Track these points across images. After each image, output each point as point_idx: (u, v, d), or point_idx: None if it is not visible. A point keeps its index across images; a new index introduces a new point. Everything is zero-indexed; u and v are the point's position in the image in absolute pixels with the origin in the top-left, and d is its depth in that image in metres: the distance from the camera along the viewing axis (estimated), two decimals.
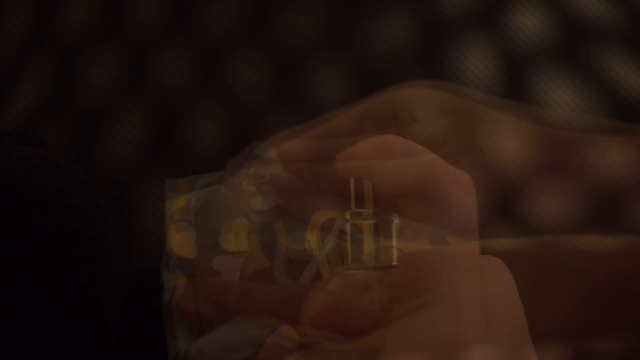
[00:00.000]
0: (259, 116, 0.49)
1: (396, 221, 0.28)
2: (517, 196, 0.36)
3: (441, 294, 0.24)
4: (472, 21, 0.51)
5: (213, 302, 0.33)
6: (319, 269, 0.32)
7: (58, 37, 0.53)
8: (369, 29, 0.51)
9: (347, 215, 0.30)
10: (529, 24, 0.51)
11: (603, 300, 0.33)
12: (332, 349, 0.26)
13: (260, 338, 0.29)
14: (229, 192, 0.36)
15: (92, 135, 0.49)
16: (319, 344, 0.27)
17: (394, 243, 0.28)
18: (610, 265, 0.33)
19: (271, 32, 0.51)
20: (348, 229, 0.29)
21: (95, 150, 0.49)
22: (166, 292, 0.36)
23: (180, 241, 0.36)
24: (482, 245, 0.29)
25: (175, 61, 0.51)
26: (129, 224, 0.46)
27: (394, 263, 0.28)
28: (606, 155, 0.36)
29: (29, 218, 0.34)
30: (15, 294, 0.33)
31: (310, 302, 0.28)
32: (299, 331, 0.27)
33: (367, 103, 0.36)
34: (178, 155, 0.48)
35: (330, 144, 0.36)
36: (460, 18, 0.51)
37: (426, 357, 0.23)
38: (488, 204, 0.30)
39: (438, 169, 0.28)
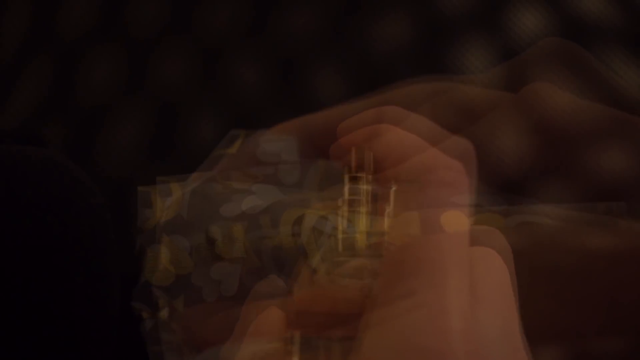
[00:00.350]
0: (259, 116, 0.49)
1: (394, 188, 0.27)
2: (516, 192, 0.36)
3: (427, 287, 0.24)
4: (472, 21, 0.51)
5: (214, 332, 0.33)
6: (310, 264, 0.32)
7: (58, 37, 0.53)
8: (369, 29, 0.51)
9: (346, 178, 0.29)
10: (529, 24, 0.51)
11: (600, 301, 0.33)
12: (320, 340, 0.26)
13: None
14: (219, 194, 0.36)
15: (92, 135, 0.49)
16: (308, 336, 0.26)
17: (386, 231, 0.28)
18: (608, 266, 0.33)
19: (271, 32, 0.51)
20: (347, 195, 0.29)
21: (95, 150, 0.49)
22: (147, 322, 0.36)
23: (172, 256, 0.36)
24: None
25: (175, 61, 0.51)
26: (129, 224, 0.46)
27: (387, 231, 0.27)
28: (606, 153, 0.36)
29: (29, 218, 0.34)
30: (15, 293, 0.33)
31: (297, 290, 0.27)
32: (290, 321, 0.27)
33: (369, 99, 0.36)
34: (178, 155, 0.48)
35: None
36: (460, 18, 0.51)
37: (408, 356, 0.23)
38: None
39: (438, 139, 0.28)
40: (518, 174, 0.36)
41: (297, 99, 0.49)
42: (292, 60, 0.50)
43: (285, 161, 0.38)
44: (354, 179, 0.29)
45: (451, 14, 0.52)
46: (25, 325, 0.33)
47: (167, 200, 0.37)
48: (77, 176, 0.37)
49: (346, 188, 0.29)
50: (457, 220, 0.25)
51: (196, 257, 0.35)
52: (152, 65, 0.51)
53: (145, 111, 0.49)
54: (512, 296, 0.26)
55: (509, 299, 0.26)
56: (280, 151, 0.38)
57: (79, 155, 0.48)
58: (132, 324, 0.39)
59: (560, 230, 0.34)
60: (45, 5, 0.54)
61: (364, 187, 0.29)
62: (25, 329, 0.33)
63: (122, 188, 0.47)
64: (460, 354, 0.23)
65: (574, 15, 0.52)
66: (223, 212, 0.35)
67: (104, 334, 0.36)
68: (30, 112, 0.51)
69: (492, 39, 0.51)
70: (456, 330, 0.23)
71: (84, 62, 0.51)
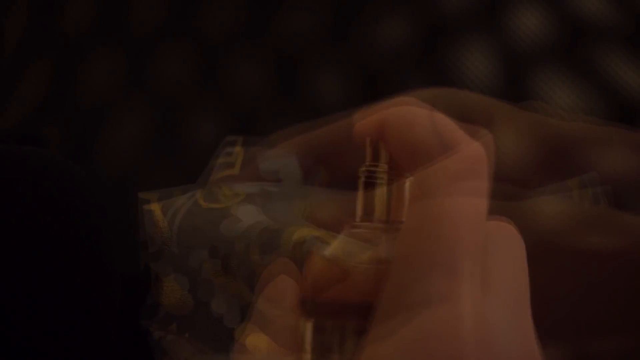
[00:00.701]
0: (259, 116, 0.49)
1: (410, 179, 0.27)
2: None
3: (440, 279, 0.24)
4: (472, 21, 0.51)
5: None
6: None
7: (58, 37, 0.53)
8: (369, 29, 0.51)
9: (361, 172, 0.29)
10: (529, 24, 0.51)
11: (603, 300, 0.33)
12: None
13: None
14: (209, 214, 0.36)
15: (92, 135, 0.49)
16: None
17: (405, 203, 0.27)
18: (610, 266, 0.33)
19: (271, 32, 0.51)
20: (363, 186, 0.29)
21: (95, 150, 0.49)
22: (155, 333, 0.36)
23: (168, 291, 0.35)
24: None
25: (175, 61, 0.51)
26: (129, 224, 0.46)
27: (402, 220, 0.27)
28: (606, 154, 0.36)
29: (29, 218, 0.34)
30: (15, 293, 0.33)
31: (310, 279, 0.27)
32: (303, 310, 0.27)
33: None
34: (178, 155, 0.48)
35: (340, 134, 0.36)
36: (460, 18, 0.51)
37: (419, 346, 0.23)
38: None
39: (457, 131, 0.27)
40: (517, 178, 0.36)
41: (297, 99, 0.49)
42: (292, 60, 0.50)
43: (286, 178, 0.38)
44: (369, 171, 0.29)
45: (451, 14, 0.52)
46: (24, 326, 0.33)
47: (154, 223, 0.36)
48: (77, 176, 0.37)
49: (361, 180, 0.29)
50: (472, 207, 0.25)
51: (205, 287, 0.35)
52: (152, 65, 0.51)
53: (145, 111, 0.49)
54: (526, 276, 0.26)
55: (521, 275, 0.26)
56: (281, 169, 0.38)
57: (79, 155, 0.49)
58: (131, 325, 0.39)
59: (560, 229, 0.34)
60: (45, 5, 0.54)
61: (381, 176, 0.29)
62: (24, 329, 0.33)
63: (122, 188, 0.47)
64: (471, 343, 0.23)
65: (574, 15, 0.52)
66: (223, 230, 0.35)
67: (104, 335, 0.36)
68: (30, 112, 0.51)
69: (492, 39, 0.51)
70: (467, 318, 0.23)
71: (84, 62, 0.51)
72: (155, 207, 0.36)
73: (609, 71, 0.50)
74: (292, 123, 0.46)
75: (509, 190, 0.35)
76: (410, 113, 0.27)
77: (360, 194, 0.29)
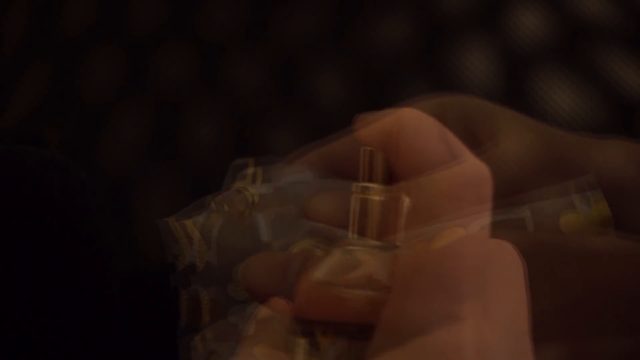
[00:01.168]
0: (259, 116, 0.49)
1: (407, 200, 0.27)
2: (514, 201, 0.36)
3: (443, 305, 0.23)
4: (472, 21, 0.51)
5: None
6: None
7: (58, 37, 0.53)
8: (369, 29, 0.51)
9: (354, 188, 0.28)
10: (529, 24, 0.51)
11: (602, 301, 0.33)
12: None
13: None
14: (239, 226, 0.36)
15: (92, 135, 0.49)
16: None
17: (401, 226, 0.27)
18: (610, 266, 0.33)
19: (271, 32, 0.51)
20: (356, 205, 0.28)
21: (96, 149, 0.49)
22: (184, 343, 0.36)
23: (204, 305, 0.36)
24: None
25: (175, 61, 0.51)
26: (129, 223, 0.46)
27: (398, 244, 0.27)
28: (606, 156, 0.36)
29: (29, 218, 0.34)
30: (15, 293, 0.33)
31: (301, 289, 0.27)
32: (294, 328, 0.27)
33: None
34: (178, 155, 0.48)
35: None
36: (460, 18, 0.51)
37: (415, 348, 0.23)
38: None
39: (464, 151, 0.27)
40: (519, 186, 0.36)
41: (297, 99, 0.49)
42: (292, 60, 0.50)
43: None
44: (364, 189, 0.28)
45: (451, 14, 0.52)
46: (25, 325, 0.34)
47: (189, 240, 0.36)
48: (77, 176, 0.37)
49: (354, 199, 0.28)
50: (475, 225, 0.25)
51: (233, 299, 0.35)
52: (152, 65, 0.51)
53: (145, 111, 0.49)
54: (526, 300, 0.26)
55: (521, 298, 0.26)
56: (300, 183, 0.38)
57: (79, 155, 0.49)
58: (132, 324, 0.39)
59: (560, 231, 0.34)
60: (45, 5, 0.54)
61: (377, 196, 0.28)
62: (25, 329, 0.33)
63: (122, 187, 0.47)
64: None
65: (574, 15, 0.52)
66: (245, 244, 0.35)
67: (104, 334, 0.36)
68: (30, 112, 0.51)
69: (492, 39, 0.51)
70: (469, 341, 0.23)
71: (85, 62, 0.51)
72: (188, 222, 0.36)
73: (609, 71, 0.50)
74: (292, 123, 0.46)
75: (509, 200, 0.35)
76: (418, 119, 0.27)
77: (352, 212, 0.28)
